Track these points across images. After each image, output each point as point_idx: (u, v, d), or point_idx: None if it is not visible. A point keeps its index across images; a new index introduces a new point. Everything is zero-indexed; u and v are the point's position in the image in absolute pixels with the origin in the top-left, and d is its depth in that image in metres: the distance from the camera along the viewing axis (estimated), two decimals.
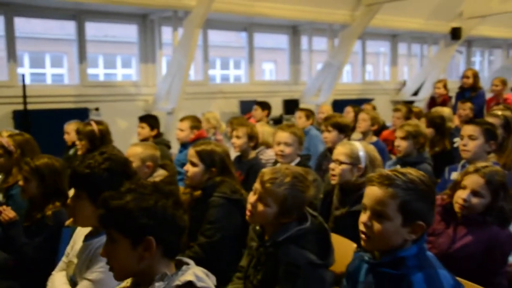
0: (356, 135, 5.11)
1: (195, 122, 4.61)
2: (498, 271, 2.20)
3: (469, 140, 3.07)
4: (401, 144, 3.58)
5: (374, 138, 4.59)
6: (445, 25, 9.23)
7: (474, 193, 2.24)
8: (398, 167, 3.50)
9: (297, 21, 7.96)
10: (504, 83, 6.69)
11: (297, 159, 3.37)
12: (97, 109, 6.42)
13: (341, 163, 2.71)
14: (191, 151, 2.77)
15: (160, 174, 3.07)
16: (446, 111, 5.07)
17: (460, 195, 2.27)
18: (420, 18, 8.91)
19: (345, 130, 4.07)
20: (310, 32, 8.48)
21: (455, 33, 9.23)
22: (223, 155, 2.75)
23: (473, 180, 2.25)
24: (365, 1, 7.65)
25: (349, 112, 5.56)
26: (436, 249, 2.25)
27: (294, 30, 8.44)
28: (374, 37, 9.60)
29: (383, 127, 5.45)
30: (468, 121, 3.28)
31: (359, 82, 9.60)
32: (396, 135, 3.67)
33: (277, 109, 7.88)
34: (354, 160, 2.70)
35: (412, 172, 1.65)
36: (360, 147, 2.75)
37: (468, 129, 3.10)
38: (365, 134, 4.59)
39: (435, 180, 3.47)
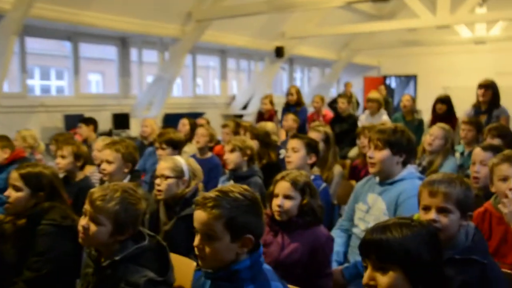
0: (189, 147, 5.21)
1: (4, 141, 4.20)
2: (323, 273, 2.45)
3: (292, 152, 3.38)
4: (230, 157, 3.77)
5: (210, 154, 4.71)
6: (269, 44, 9.98)
7: (285, 197, 2.48)
8: (231, 182, 3.73)
9: (126, 33, 7.82)
10: (322, 100, 7.51)
11: (128, 177, 3.31)
12: None
13: (166, 177, 2.83)
14: (13, 174, 2.53)
15: None
16: (269, 125, 5.44)
17: (275, 203, 2.49)
18: (247, 36, 9.48)
19: (179, 147, 4.13)
20: (140, 45, 8.41)
21: (279, 52, 10.03)
22: (52, 177, 2.58)
23: (281, 186, 2.50)
24: (195, 17, 7.87)
25: (185, 124, 5.62)
26: (268, 258, 2.41)
27: (123, 41, 8.27)
28: (204, 51, 9.91)
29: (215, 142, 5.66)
30: (293, 136, 3.60)
31: (190, 96, 9.80)
32: (225, 150, 3.87)
33: (106, 124, 7.62)
34: (178, 173, 2.85)
35: (233, 189, 1.74)
36: (182, 160, 2.92)
37: (292, 142, 3.43)
38: (202, 150, 4.68)
39: (266, 192, 3.74)
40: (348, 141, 6.48)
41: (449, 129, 4.19)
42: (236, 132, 5.36)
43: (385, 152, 2.64)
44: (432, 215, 1.88)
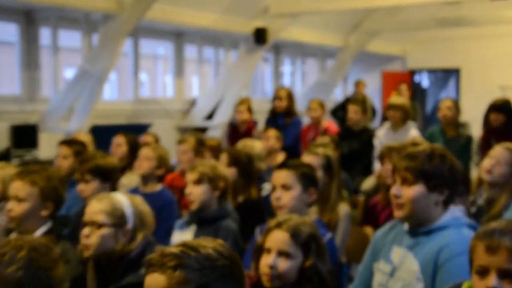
0: (129, 178, 5.14)
1: None
2: None
3: (283, 191, 3.32)
4: (195, 192, 3.71)
5: (159, 186, 4.67)
6: (246, 24, 10.01)
7: (281, 254, 2.48)
8: (193, 228, 3.68)
9: (32, 5, 7.77)
10: (322, 106, 7.53)
11: (47, 224, 3.25)
12: None
13: (99, 225, 2.79)
14: None
15: None
16: (257, 146, 5.41)
17: (265, 262, 2.48)
18: (214, 12, 9.50)
19: (111, 177, 4.06)
20: (55, 23, 8.36)
21: (260, 35, 10.07)
22: None
23: (276, 238, 2.50)
24: None
25: (120, 144, 5.59)
26: None
27: (28, 17, 8.21)
28: (152, 34, 9.91)
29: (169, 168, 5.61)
30: (280, 165, 3.53)
31: (130, 100, 9.74)
32: (187, 179, 3.81)
33: (0, 141, 7.55)
34: (118, 219, 2.81)
35: (205, 244, 1.76)
36: (125, 200, 2.88)
37: (281, 176, 3.34)
38: (146, 180, 4.64)
39: (243, 244, 3.70)
40: (360, 168, 6.50)
41: None
42: (198, 152, 5.33)
43: (418, 188, 2.64)
44: (492, 281, 1.88)
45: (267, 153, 5.87)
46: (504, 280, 1.88)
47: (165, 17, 8.81)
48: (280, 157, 6.02)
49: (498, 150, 4.19)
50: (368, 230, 4.39)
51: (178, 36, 10.24)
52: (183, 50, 10.40)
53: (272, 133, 6.01)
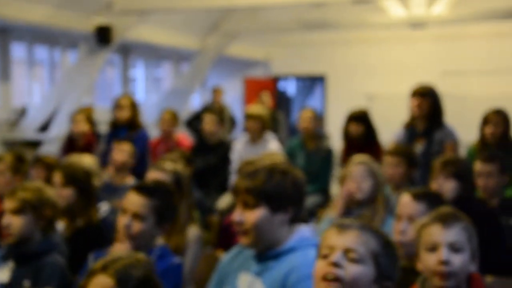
0: None
1: None
2: None
3: (133, 220, 3.18)
4: (14, 223, 3.53)
5: None
6: (86, 20, 9.80)
7: None
8: (11, 264, 3.53)
9: None
10: (175, 117, 7.55)
11: None
12: None
13: None
14: None
15: None
16: (87, 161, 5.28)
17: None
18: (47, 5, 9.21)
19: None
20: None
21: (104, 35, 9.88)
22: None
23: (98, 285, 2.35)
24: None
25: None
26: None
27: None
28: None
29: None
30: (136, 187, 3.38)
31: None
32: (5, 207, 3.62)
33: None
34: None
35: None
36: None
37: (134, 203, 3.22)
38: None
39: (70, 280, 3.59)
40: (216, 184, 6.55)
41: (372, 163, 4.35)
42: (17, 171, 5.15)
43: (260, 212, 2.69)
44: (336, 256, 2.11)
45: (117, 170, 5.75)
46: (348, 261, 2.10)
47: None
48: (130, 177, 5.95)
49: (354, 169, 4.30)
50: (222, 254, 4.41)
51: (3, 33, 9.84)
52: (8, 49, 10.01)
53: (127, 147, 5.89)
